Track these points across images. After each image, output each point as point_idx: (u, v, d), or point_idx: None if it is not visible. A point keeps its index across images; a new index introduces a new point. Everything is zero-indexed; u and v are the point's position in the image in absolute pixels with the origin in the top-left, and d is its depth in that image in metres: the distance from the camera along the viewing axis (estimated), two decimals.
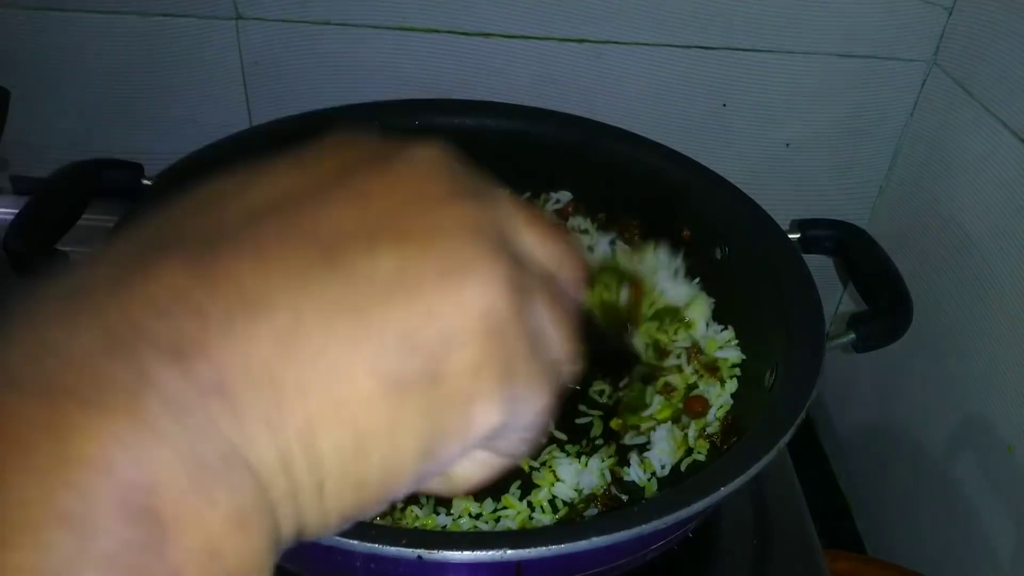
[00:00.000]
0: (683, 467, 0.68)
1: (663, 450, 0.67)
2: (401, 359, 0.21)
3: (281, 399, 0.20)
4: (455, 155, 0.25)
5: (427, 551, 0.46)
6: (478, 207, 0.24)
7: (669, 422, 0.71)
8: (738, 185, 0.78)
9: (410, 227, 0.22)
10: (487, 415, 0.23)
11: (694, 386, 0.73)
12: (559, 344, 0.26)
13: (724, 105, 1.00)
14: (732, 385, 0.72)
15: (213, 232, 0.21)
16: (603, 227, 0.87)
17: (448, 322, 0.22)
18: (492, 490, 0.68)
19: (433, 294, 0.22)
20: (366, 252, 0.21)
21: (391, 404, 0.21)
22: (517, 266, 0.24)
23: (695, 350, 0.75)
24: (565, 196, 0.89)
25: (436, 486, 0.27)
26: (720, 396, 0.71)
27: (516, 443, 0.26)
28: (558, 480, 0.68)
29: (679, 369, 0.73)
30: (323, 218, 0.22)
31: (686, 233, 0.81)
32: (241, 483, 0.19)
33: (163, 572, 0.18)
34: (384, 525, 0.61)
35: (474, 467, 0.27)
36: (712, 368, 0.73)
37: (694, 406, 0.71)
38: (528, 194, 0.89)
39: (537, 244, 0.26)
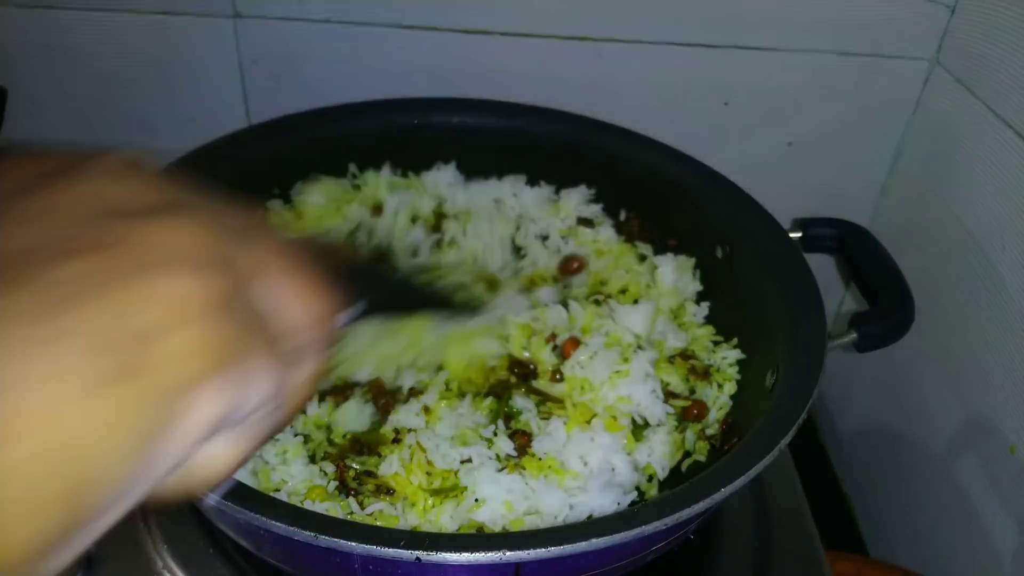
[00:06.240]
0: (683, 468, 0.68)
1: (664, 455, 0.66)
2: (92, 359, 0.21)
3: None
4: (140, 163, 0.26)
5: (425, 553, 0.46)
6: (165, 217, 0.24)
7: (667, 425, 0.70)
8: (740, 184, 0.78)
9: (97, 238, 0.22)
10: (207, 399, 0.23)
11: (692, 390, 0.72)
12: (299, 313, 0.26)
13: (726, 104, 0.99)
14: (731, 387, 0.71)
15: None
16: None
17: (140, 317, 0.22)
18: None
19: (119, 292, 0.22)
20: (50, 263, 0.21)
21: (91, 406, 0.21)
22: (216, 252, 0.24)
23: (686, 354, 0.75)
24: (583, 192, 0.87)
25: (176, 484, 0.26)
26: (718, 398, 0.71)
27: (263, 420, 0.26)
28: None
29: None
30: (6, 236, 0.22)
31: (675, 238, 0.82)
32: None
33: None
34: (383, 527, 0.61)
35: (218, 452, 0.26)
36: (704, 373, 0.72)
37: (691, 410, 0.70)
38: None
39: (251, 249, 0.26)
